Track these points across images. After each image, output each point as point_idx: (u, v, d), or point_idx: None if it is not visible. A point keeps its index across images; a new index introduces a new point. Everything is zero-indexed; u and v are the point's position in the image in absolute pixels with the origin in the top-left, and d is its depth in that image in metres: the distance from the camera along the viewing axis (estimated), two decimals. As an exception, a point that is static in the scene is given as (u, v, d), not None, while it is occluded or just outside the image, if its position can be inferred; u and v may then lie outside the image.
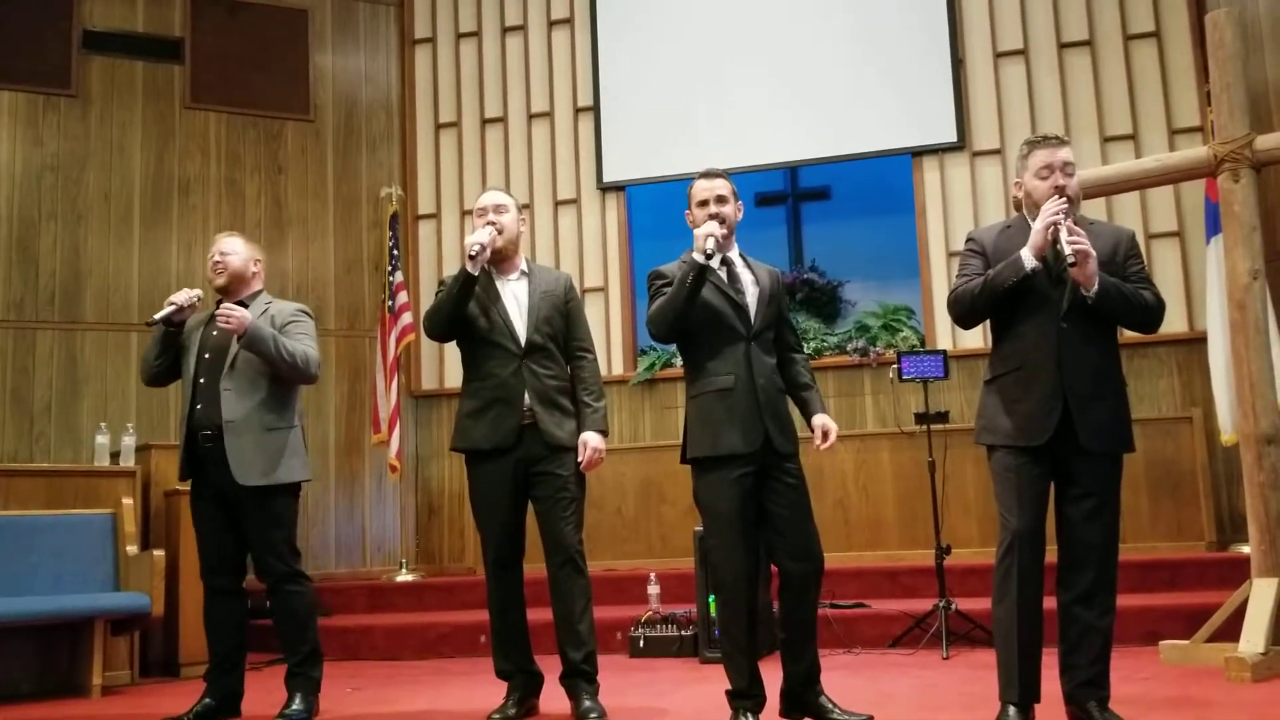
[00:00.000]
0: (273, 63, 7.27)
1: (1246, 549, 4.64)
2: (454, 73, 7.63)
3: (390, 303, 6.88)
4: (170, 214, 6.90)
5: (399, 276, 6.94)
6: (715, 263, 3.27)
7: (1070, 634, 3.00)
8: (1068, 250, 2.84)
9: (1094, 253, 2.89)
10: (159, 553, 4.90)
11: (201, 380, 3.79)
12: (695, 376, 3.34)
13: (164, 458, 5.60)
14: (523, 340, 3.67)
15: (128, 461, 5.55)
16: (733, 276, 3.35)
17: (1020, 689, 2.97)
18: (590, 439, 3.66)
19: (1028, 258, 2.95)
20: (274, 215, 7.12)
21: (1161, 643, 4.37)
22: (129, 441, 5.65)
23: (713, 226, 3.23)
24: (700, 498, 3.28)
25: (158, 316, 3.83)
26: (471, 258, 3.57)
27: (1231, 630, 4.11)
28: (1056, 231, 2.89)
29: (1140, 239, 6.37)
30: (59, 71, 6.71)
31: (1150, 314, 3.04)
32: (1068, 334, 2.98)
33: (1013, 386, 3.04)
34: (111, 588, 4.95)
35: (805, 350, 3.52)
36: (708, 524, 3.30)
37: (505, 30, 7.59)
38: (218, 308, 3.89)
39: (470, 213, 7.32)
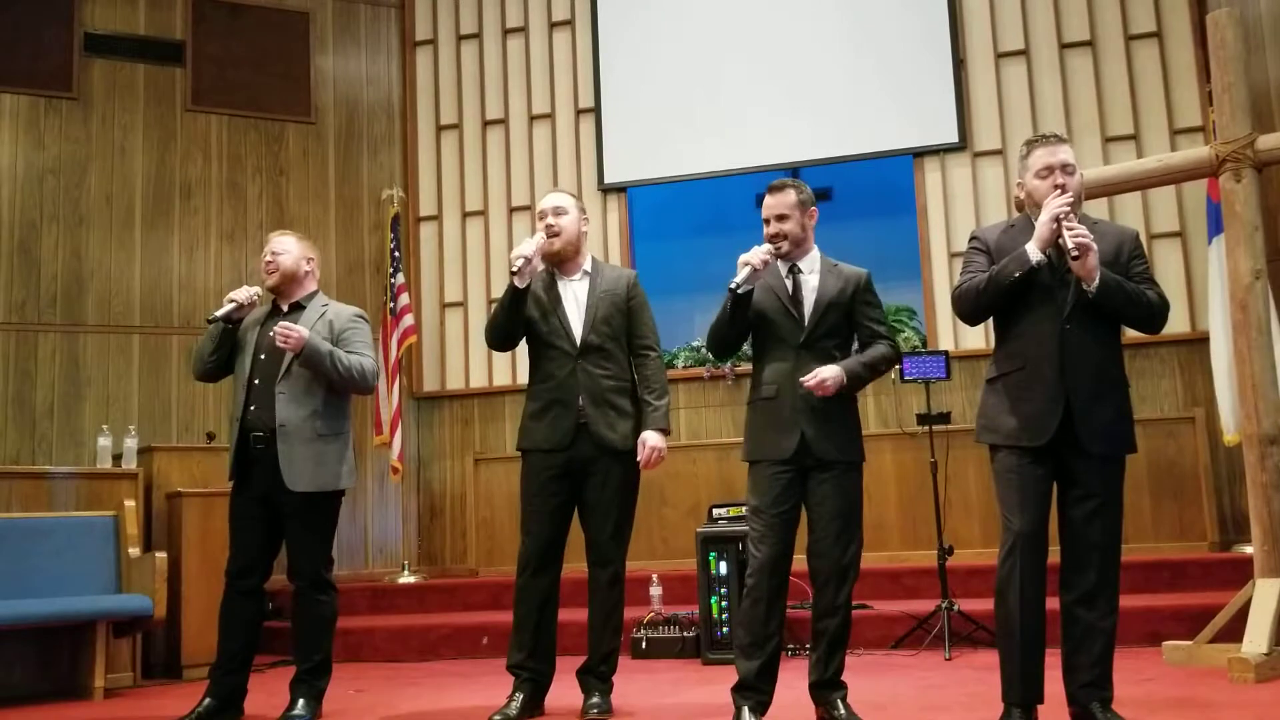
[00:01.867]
0: (274, 65, 7.28)
1: (1249, 549, 4.63)
2: (455, 74, 7.64)
3: (392, 305, 6.88)
4: (172, 216, 6.91)
5: (400, 278, 6.95)
6: (783, 268, 3.41)
7: (1073, 635, 2.99)
8: (1069, 244, 2.85)
9: (1095, 247, 2.89)
10: (161, 555, 4.90)
11: (256, 382, 3.79)
12: (752, 383, 3.48)
13: (166, 460, 5.61)
14: (578, 340, 3.69)
15: (130, 464, 5.55)
16: (797, 285, 3.41)
17: (1023, 690, 2.97)
18: (649, 438, 3.66)
19: (1033, 251, 2.95)
20: (275, 217, 7.12)
21: (1164, 643, 4.37)
22: (131, 444, 5.65)
23: (752, 254, 3.30)
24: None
25: (218, 314, 3.84)
26: (514, 273, 3.58)
27: (1234, 631, 4.11)
28: (1060, 226, 2.90)
29: (1142, 239, 6.36)
30: (60, 74, 6.72)
31: (1153, 312, 3.03)
32: (1071, 334, 2.98)
33: (1015, 386, 3.04)
34: (113, 590, 4.95)
35: (886, 342, 3.43)
36: (749, 517, 3.43)
37: (506, 32, 7.59)
38: (274, 308, 3.92)
39: (471, 214, 7.42)
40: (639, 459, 3.67)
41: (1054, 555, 3.02)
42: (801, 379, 3.27)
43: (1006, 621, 3.01)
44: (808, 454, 3.30)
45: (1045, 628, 3.00)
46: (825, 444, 3.30)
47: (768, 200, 3.44)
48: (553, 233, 3.73)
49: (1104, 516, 3.00)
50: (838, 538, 3.29)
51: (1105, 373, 3.02)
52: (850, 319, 3.43)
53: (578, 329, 3.70)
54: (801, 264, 3.44)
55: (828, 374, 3.25)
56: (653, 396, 3.73)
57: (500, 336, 3.76)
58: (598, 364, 3.69)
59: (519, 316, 3.69)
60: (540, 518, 3.67)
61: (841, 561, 3.29)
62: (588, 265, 3.83)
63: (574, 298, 3.75)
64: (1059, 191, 3.00)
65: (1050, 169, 3.06)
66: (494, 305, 3.79)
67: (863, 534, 3.40)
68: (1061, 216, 2.91)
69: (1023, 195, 3.18)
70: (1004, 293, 3.01)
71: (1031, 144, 3.15)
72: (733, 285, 3.29)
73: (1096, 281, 2.91)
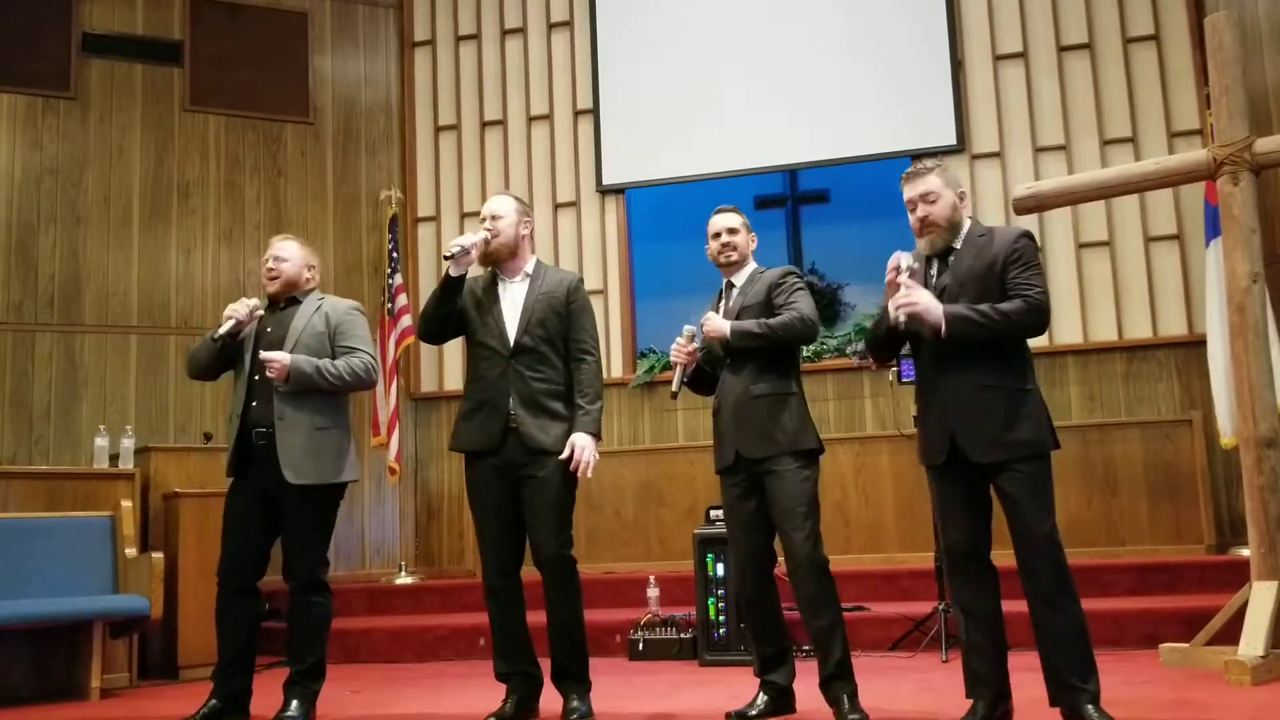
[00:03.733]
0: (272, 65, 7.28)
1: (1246, 552, 4.64)
2: (453, 75, 7.64)
3: (389, 305, 6.88)
4: (169, 217, 6.90)
5: (398, 279, 6.95)
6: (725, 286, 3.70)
7: (1045, 637, 3.00)
8: (898, 316, 2.99)
9: (921, 304, 2.96)
10: (158, 555, 4.89)
11: (257, 377, 3.79)
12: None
13: (163, 460, 5.60)
14: (511, 341, 3.66)
15: (127, 464, 5.54)
16: (729, 299, 3.68)
17: (978, 686, 3.09)
18: (577, 439, 3.57)
19: (892, 311, 3.06)
20: (273, 218, 7.12)
21: (1161, 646, 4.37)
22: (128, 444, 5.64)
23: (675, 354, 3.63)
24: None
25: (221, 333, 3.79)
26: (447, 257, 3.64)
27: (1231, 633, 4.11)
28: (890, 300, 3.03)
29: (1139, 242, 6.43)
30: (58, 74, 6.71)
31: (1017, 325, 2.99)
32: (946, 359, 3.04)
33: (921, 411, 3.20)
34: (110, 590, 4.94)
35: (799, 321, 3.48)
36: None
37: (505, 33, 7.59)
38: (270, 302, 3.93)
39: (470, 215, 7.42)
40: (568, 460, 3.56)
41: (1008, 559, 3.06)
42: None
43: (959, 627, 3.17)
44: (746, 458, 3.48)
45: (993, 630, 3.09)
46: (752, 443, 3.47)
47: (718, 219, 3.72)
48: (492, 234, 3.75)
49: (1030, 511, 2.98)
50: (789, 534, 3.40)
51: (987, 383, 3.01)
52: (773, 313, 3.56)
53: (512, 330, 3.68)
54: (735, 279, 3.70)
55: (710, 321, 3.52)
56: (585, 400, 3.65)
57: (428, 326, 3.76)
58: (531, 366, 3.64)
59: (449, 307, 3.70)
60: (486, 525, 3.67)
61: (797, 556, 3.38)
62: (529, 268, 3.81)
63: (512, 299, 3.74)
64: (920, 226, 3.13)
65: (912, 203, 3.17)
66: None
67: (815, 525, 3.41)
68: (893, 281, 3.03)
69: None
70: (880, 344, 3.25)
71: (902, 180, 3.23)
72: (673, 392, 3.68)
73: (944, 330, 2.96)
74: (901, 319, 2.98)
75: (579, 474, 3.58)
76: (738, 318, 3.55)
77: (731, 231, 3.67)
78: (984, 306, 2.99)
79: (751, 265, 3.73)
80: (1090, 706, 2.92)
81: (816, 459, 3.52)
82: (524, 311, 3.70)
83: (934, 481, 3.18)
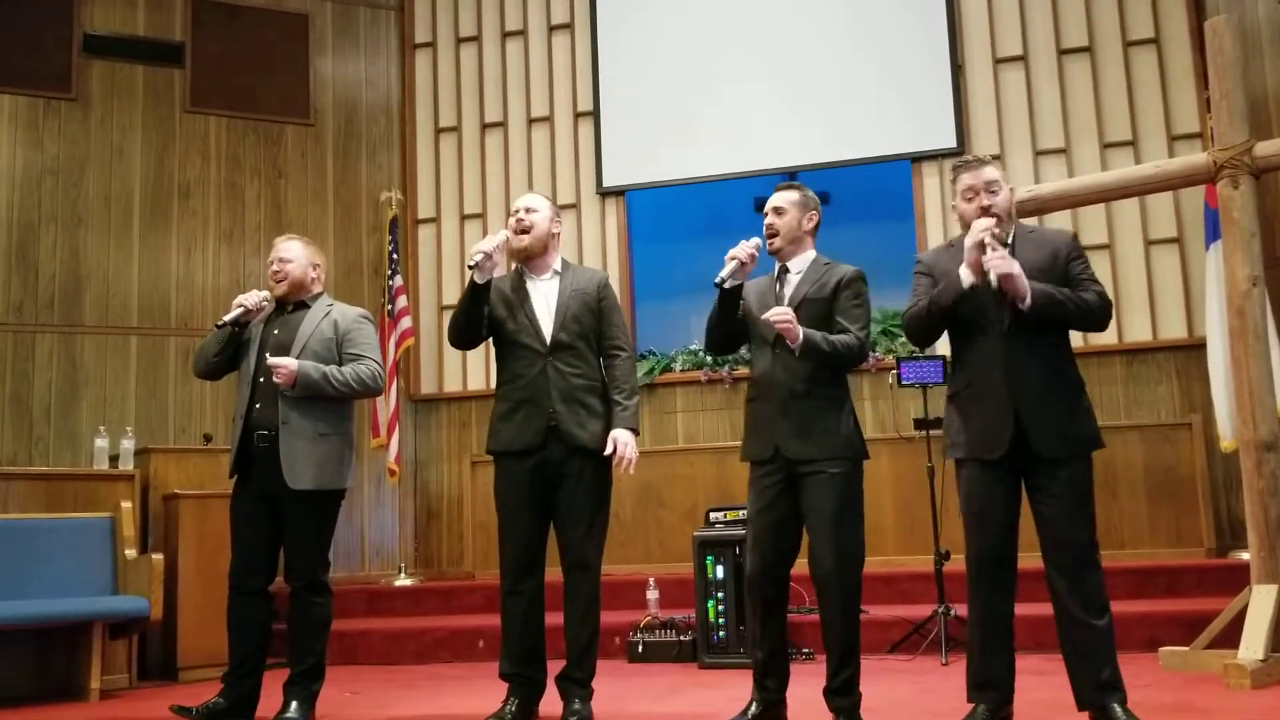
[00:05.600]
0: (273, 67, 7.28)
1: (1246, 555, 4.64)
2: (454, 77, 7.64)
3: (390, 307, 6.89)
4: (170, 218, 6.90)
5: (398, 281, 6.95)
6: (776, 270, 3.46)
7: (1084, 642, 3.00)
8: (991, 276, 2.96)
9: (1016, 269, 2.98)
10: (157, 556, 4.89)
11: (261, 379, 3.78)
12: (748, 384, 3.52)
13: (163, 461, 5.60)
14: (548, 339, 3.66)
15: (127, 465, 5.54)
16: (784, 285, 3.44)
17: (981, 688, 3.10)
18: (619, 435, 3.59)
19: (965, 276, 3.06)
20: (274, 219, 7.12)
21: (1161, 649, 4.37)
22: (128, 445, 5.64)
23: (738, 249, 3.33)
24: None
25: (227, 320, 3.81)
26: (472, 267, 3.59)
27: (1231, 637, 4.11)
28: (981, 253, 3.00)
29: (1139, 245, 6.44)
30: (60, 75, 6.72)
31: (1092, 314, 3.10)
32: (1013, 346, 3.05)
33: (969, 401, 3.14)
34: (110, 591, 4.94)
35: (856, 349, 3.32)
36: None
37: (505, 35, 7.60)
38: (278, 305, 3.93)
39: (470, 217, 7.43)
40: (610, 456, 3.58)
41: (1036, 560, 3.08)
42: (766, 315, 3.25)
43: (969, 628, 3.15)
44: (788, 455, 3.29)
45: (1008, 633, 3.10)
46: (802, 444, 3.29)
47: (771, 196, 3.50)
48: (523, 227, 3.72)
49: (1072, 516, 3.02)
50: (825, 545, 3.24)
51: (1053, 377, 3.08)
52: (831, 316, 3.37)
53: (547, 327, 3.67)
54: (791, 264, 3.46)
55: (787, 322, 3.21)
56: (622, 396, 3.66)
57: (460, 335, 3.74)
58: (568, 363, 3.64)
59: (479, 314, 3.67)
60: (516, 526, 3.64)
61: (828, 570, 3.24)
62: (558, 265, 3.80)
63: (543, 296, 3.72)
64: (983, 214, 3.10)
65: (974, 190, 3.16)
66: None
67: (856, 540, 3.30)
68: (986, 242, 3.00)
69: (957, 216, 3.29)
70: (944, 316, 3.13)
71: (957, 168, 3.26)
72: (717, 280, 3.32)
73: (1028, 300, 3.00)
74: (993, 279, 2.95)
75: (621, 471, 3.60)
76: (798, 309, 3.30)
77: (777, 211, 3.43)
78: (1065, 290, 3.06)
79: (810, 251, 3.46)
80: (1118, 706, 2.95)
81: (861, 467, 3.38)
82: (559, 308, 3.69)
83: (976, 480, 3.09)
